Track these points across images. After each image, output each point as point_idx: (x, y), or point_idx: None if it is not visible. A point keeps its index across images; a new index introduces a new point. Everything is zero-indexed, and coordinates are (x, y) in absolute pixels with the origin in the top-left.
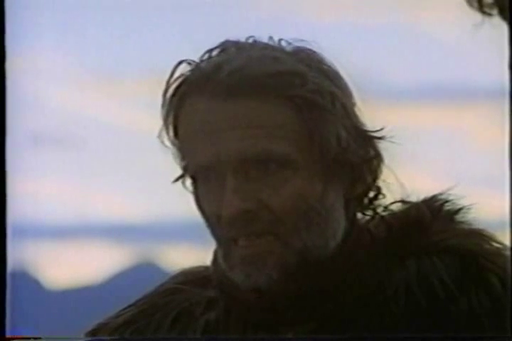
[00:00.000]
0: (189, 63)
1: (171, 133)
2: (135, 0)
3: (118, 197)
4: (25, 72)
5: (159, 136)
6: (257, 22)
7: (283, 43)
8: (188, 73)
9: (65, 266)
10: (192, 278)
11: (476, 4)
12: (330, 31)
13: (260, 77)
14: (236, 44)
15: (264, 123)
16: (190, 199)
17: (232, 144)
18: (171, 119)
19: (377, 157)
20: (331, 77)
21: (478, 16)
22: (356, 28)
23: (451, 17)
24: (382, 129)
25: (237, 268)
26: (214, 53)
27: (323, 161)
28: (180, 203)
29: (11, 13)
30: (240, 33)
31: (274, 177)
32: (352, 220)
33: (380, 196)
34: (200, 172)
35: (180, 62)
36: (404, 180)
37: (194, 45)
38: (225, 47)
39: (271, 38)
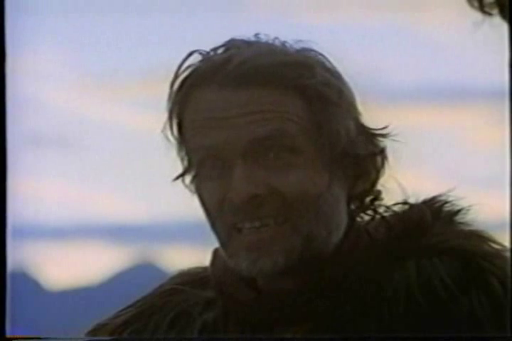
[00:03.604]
0: (201, 53)
1: (175, 127)
2: (136, 2)
3: (118, 197)
4: (26, 73)
5: (164, 130)
6: (256, 23)
7: (287, 45)
8: (198, 64)
9: (64, 267)
10: (190, 279)
11: (476, 4)
12: (329, 32)
13: (270, 66)
14: (243, 41)
15: (276, 109)
16: (191, 199)
17: (243, 128)
18: (176, 112)
19: (382, 153)
20: (337, 76)
21: (478, 16)
22: (356, 29)
23: (451, 17)
24: (385, 127)
25: (241, 255)
26: (219, 51)
27: (331, 152)
28: (180, 204)
29: (11, 14)
30: (240, 34)
31: (283, 163)
32: (352, 219)
33: (381, 197)
34: (206, 160)
35: (190, 53)
36: (404, 181)
37: (194, 47)
38: (231, 45)
39: (276, 38)
